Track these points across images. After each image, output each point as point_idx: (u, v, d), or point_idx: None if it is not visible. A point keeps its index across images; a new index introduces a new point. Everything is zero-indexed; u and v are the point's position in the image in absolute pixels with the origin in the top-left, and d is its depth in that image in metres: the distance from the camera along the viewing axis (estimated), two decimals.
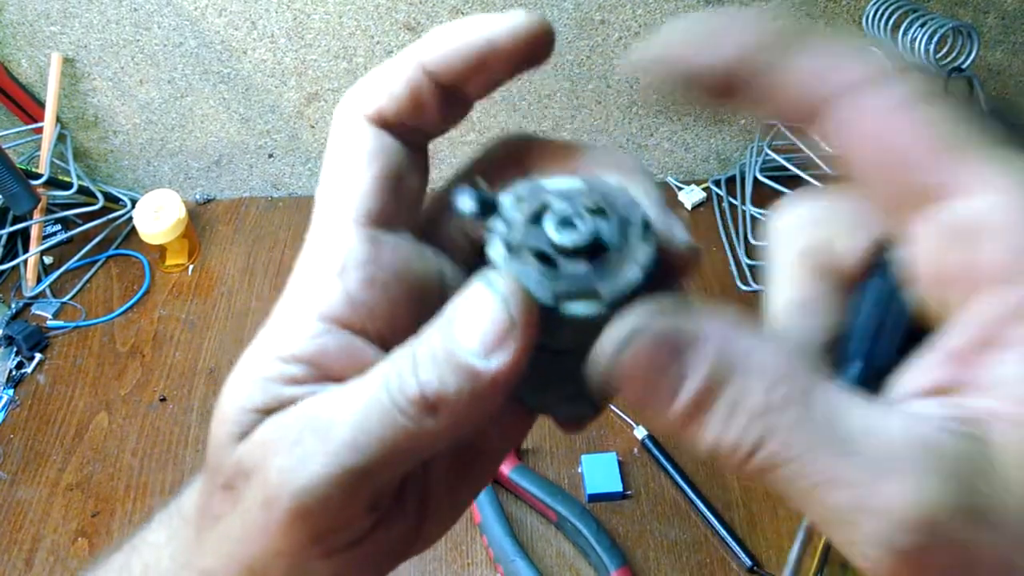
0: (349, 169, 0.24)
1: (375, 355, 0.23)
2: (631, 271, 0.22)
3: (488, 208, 0.23)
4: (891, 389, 0.20)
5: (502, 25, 0.24)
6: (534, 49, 0.24)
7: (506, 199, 0.24)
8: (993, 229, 0.18)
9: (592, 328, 0.20)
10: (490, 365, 0.21)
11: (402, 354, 0.22)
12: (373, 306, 0.24)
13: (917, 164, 0.19)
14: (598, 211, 0.23)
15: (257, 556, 0.22)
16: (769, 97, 0.20)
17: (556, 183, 0.24)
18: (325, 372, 0.23)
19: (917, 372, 0.20)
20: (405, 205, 0.25)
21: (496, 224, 0.23)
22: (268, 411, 0.23)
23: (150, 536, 0.27)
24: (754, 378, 0.19)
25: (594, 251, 0.22)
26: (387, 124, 0.25)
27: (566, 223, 0.23)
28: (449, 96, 0.25)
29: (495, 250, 0.23)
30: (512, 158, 0.27)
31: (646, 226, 0.23)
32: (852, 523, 0.17)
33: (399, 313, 0.24)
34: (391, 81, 0.24)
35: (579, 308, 0.22)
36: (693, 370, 0.19)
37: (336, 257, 0.24)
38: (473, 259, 0.27)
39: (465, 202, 0.23)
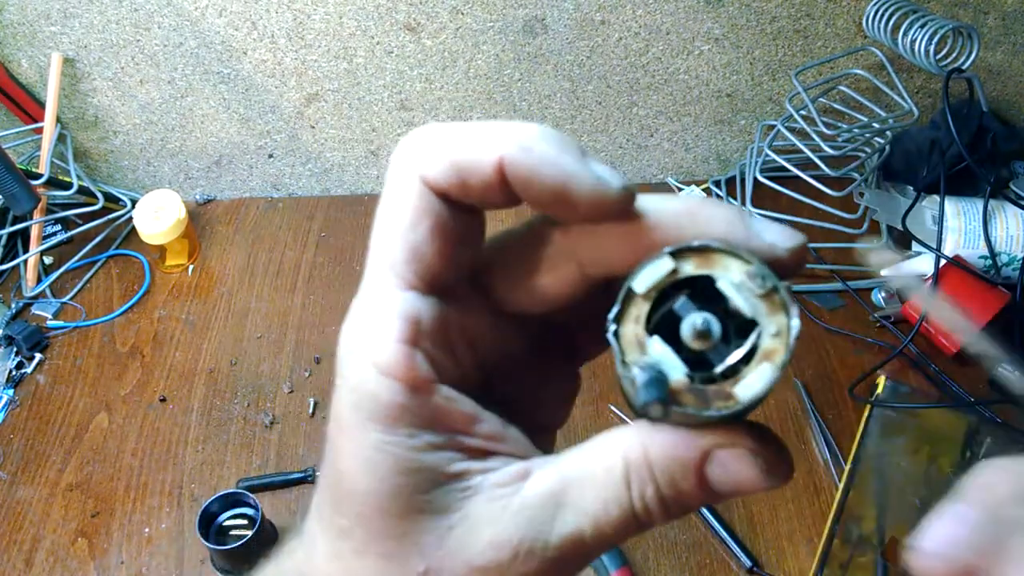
0: (409, 233, 0.24)
1: (471, 405, 0.25)
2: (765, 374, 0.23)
3: (662, 383, 0.23)
4: None
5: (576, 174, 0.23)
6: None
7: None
8: None
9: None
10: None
11: (654, 466, 0.23)
12: (447, 367, 0.25)
13: None
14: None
15: None
16: None
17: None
18: (450, 430, 0.24)
19: None
20: (462, 267, 0.25)
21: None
22: (428, 483, 0.24)
23: None
24: None
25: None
26: (440, 193, 0.24)
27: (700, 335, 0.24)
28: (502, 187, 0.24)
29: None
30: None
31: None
32: None
33: (465, 363, 0.26)
34: (442, 153, 0.23)
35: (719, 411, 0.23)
36: None
37: (406, 325, 0.24)
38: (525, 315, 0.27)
39: (656, 410, 0.23)
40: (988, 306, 0.93)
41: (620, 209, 0.24)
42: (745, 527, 0.84)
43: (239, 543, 0.79)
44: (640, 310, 0.24)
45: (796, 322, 0.23)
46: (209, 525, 0.83)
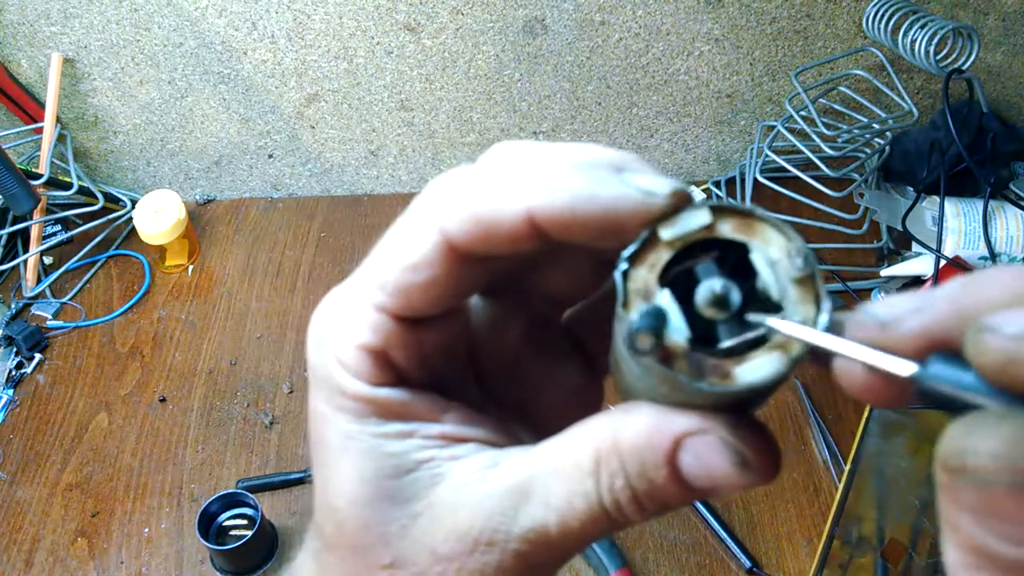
0: (409, 272, 0.23)
1: (439, 399, 0.25)
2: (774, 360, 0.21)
3: (660, 320, 0.21)
4: None
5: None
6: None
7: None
8: None
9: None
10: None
11: (617, 460, 0.22)
12: (415, 372, 0.25)
13: None
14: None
15: None
16: None
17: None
18: (416, 419, 0.24)
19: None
20: (458, 300, 0.25)
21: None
22: (394, 470, 0.24)
23: None
24: None
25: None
26: (462, 250, 0.23)
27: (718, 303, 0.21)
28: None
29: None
30: None
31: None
32: None
33: (442, 371, 0.26)
34: (465, 207, 0.22)
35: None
36: None
37: (374, 337, 0.24)
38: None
39: (644, 340, 0.20)
40: None
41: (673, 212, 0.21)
42: (745, 527, 0.84)
43: (239, 543, 0.79)
44: (659, 257, 0.21)
45: (825, 317, 0.20)
46: (209, 525, 0.83)
